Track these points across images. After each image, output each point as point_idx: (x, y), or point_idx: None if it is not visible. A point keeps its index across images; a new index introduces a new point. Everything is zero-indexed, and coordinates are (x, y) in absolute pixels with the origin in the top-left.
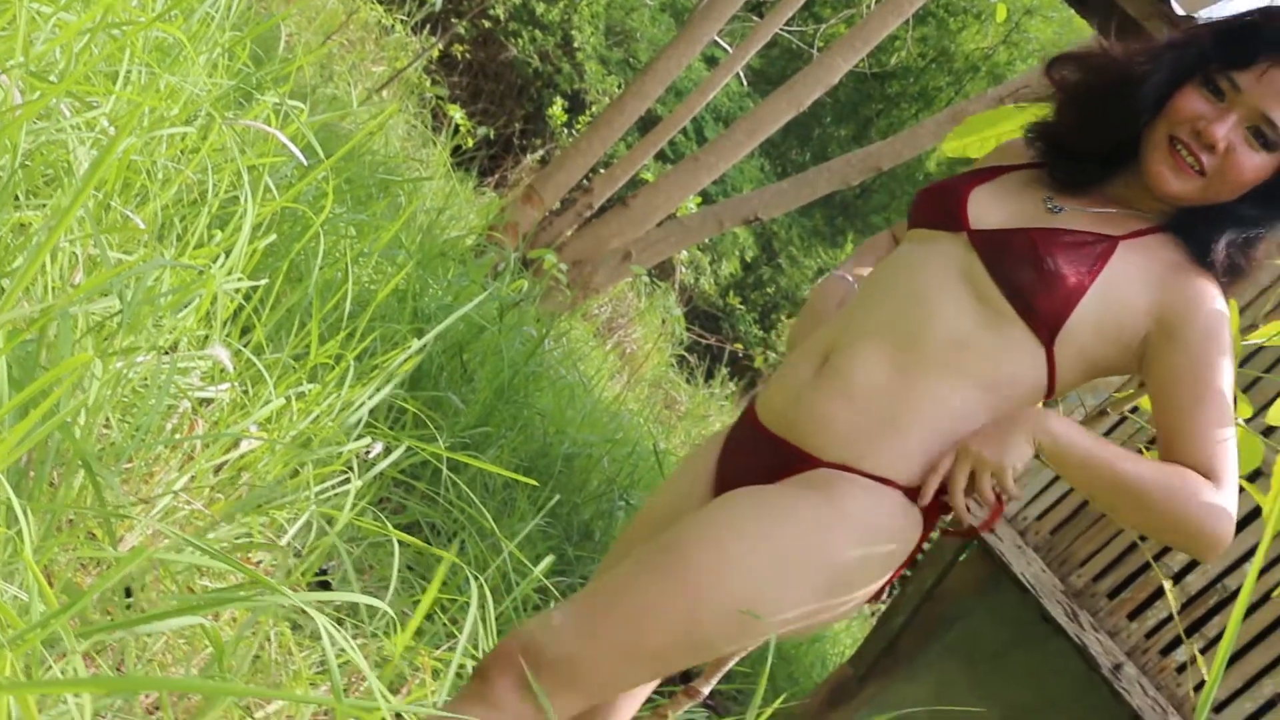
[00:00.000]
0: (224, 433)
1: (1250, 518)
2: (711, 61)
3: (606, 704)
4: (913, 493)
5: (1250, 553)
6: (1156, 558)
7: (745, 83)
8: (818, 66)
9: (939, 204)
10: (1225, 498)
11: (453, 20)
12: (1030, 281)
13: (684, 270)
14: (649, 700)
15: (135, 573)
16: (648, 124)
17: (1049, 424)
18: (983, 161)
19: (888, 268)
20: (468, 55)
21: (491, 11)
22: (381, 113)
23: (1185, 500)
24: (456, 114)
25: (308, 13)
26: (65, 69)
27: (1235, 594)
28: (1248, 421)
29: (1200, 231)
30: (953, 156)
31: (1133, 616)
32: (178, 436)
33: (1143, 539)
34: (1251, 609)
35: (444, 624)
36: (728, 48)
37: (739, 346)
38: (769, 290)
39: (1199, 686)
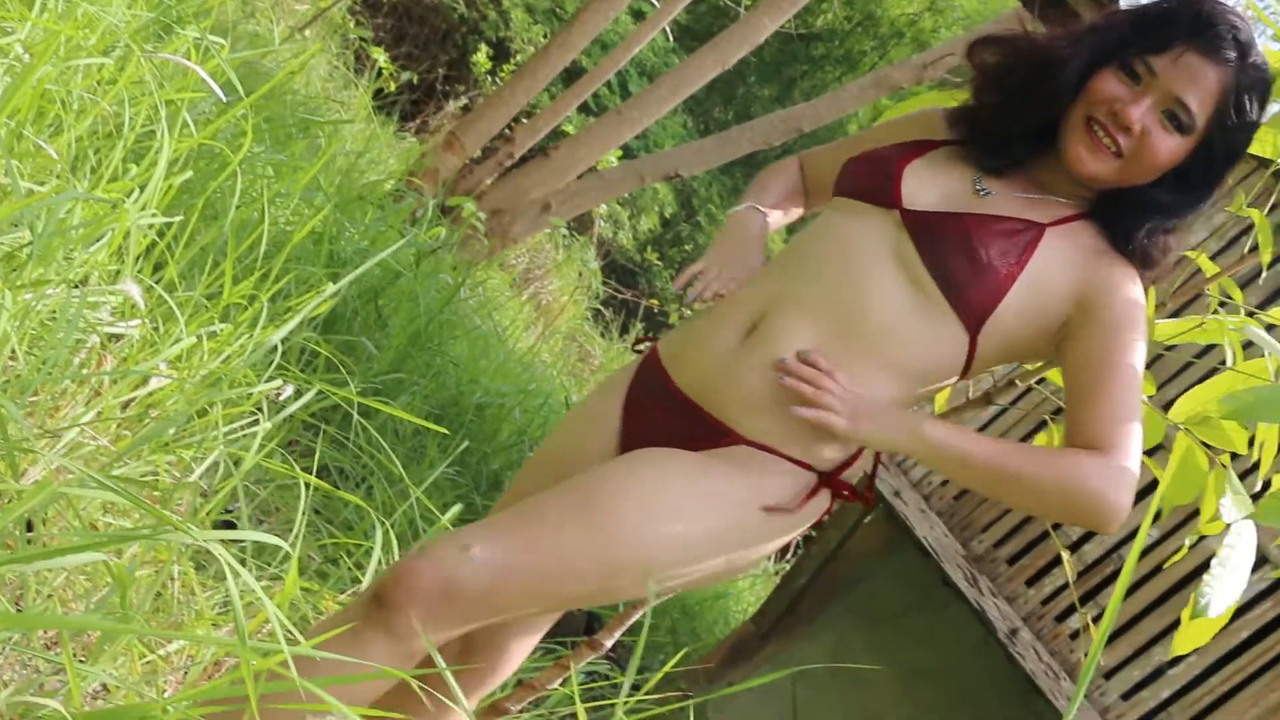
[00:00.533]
0: (133, 369)
1: (1150, 489)
2: (638, 15)
3: (500, 650)
4: (827, 476)
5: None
6: (1055, 527)
7: (671, 38)
8: (744, 25)
9: (872, 176)
10: (1119, 473)
11: None
12: (964, 272)
13: (603, 224)
14: (551, 651)
15: (38, 507)
16: (572, 75)
17: (925, 430)
18: (906, 128)
19: (818, 237)
20: None
21: None
22: (303, 52)
23: (1073, 483)
24: (380, 57)
25: None
26: None
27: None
28: (1150, 398)
29: (1121, 217)
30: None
31: (1030, 583)
32: (85, 371)
33: None
34: (1144, 580)
35: (349, 568)
36: (655, 2)
37: (655, 302)
38: (687, 247)
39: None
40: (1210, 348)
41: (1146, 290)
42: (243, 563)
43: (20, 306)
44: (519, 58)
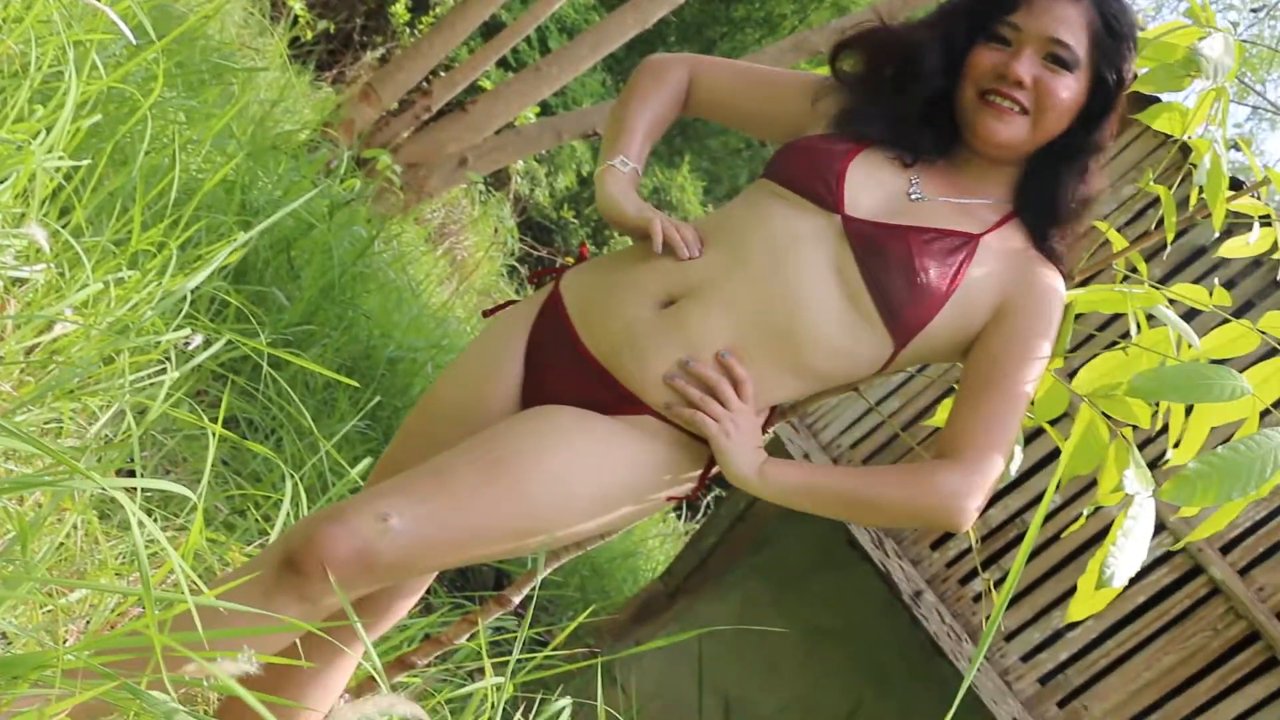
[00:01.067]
0: (37, 314)
1: (1055, 455)
2: None
3: (389, 599)
4: None
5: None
6: None
7: None
8: None
9: (814, 172)
10: (968, 483)
11: None
12: (903, 294)
13: (519, 180)
14: (459, 606)
15: None
16: (491, 30)
17: (770, 472)
18: (840, 118)
19: (752, 224)
20: None
21: None
22: None
23: (921, 502)
24: (296, 4)
25: None
26: None
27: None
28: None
29: (1042, 194)
30: None
31: (935, 546)
32: None
33: None
34: (1045, 546)
35: (256, 520)
36: None
37: (570, 260)
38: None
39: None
40: (1114, 319)
41: (1068, 276)
42: (149, 513)
43: None
44: (438, 10)
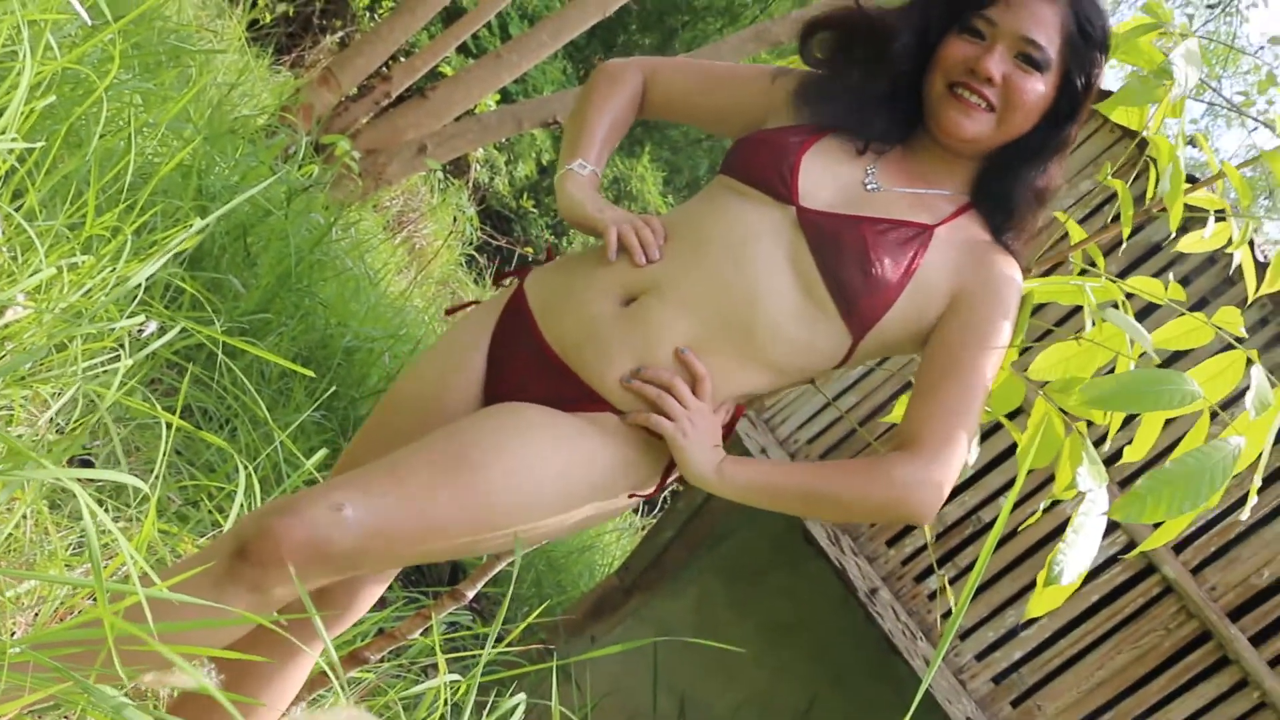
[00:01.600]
0: None
1: (1011, 452)
2: None
3: (353, 594)
4: None
5: (1007, 485)
6: None
7: None
8: None
9: (769, 165)
10: (931, 471)
11: None
12: (858, 284)
13: (479, 168)
14: (413, 600)
15: None
16: (452, 15)
17: (728, 470)
18: (798, 106)
19: (709, 220)
20: None
21: None
22: None
23: (881, 495)
24: None
25: None
26: None
27: (988, 526)
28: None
29: (999, 189)
30: None
31: (891, 543)
32: None
33: None
34: (1001, 543)
35: (210, 511)
36: None
37: (529, 250)
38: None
39: (946, 614)
40: (1072, 314)
41: (1026, 269)
42: (100, 503)
43: None
44: None
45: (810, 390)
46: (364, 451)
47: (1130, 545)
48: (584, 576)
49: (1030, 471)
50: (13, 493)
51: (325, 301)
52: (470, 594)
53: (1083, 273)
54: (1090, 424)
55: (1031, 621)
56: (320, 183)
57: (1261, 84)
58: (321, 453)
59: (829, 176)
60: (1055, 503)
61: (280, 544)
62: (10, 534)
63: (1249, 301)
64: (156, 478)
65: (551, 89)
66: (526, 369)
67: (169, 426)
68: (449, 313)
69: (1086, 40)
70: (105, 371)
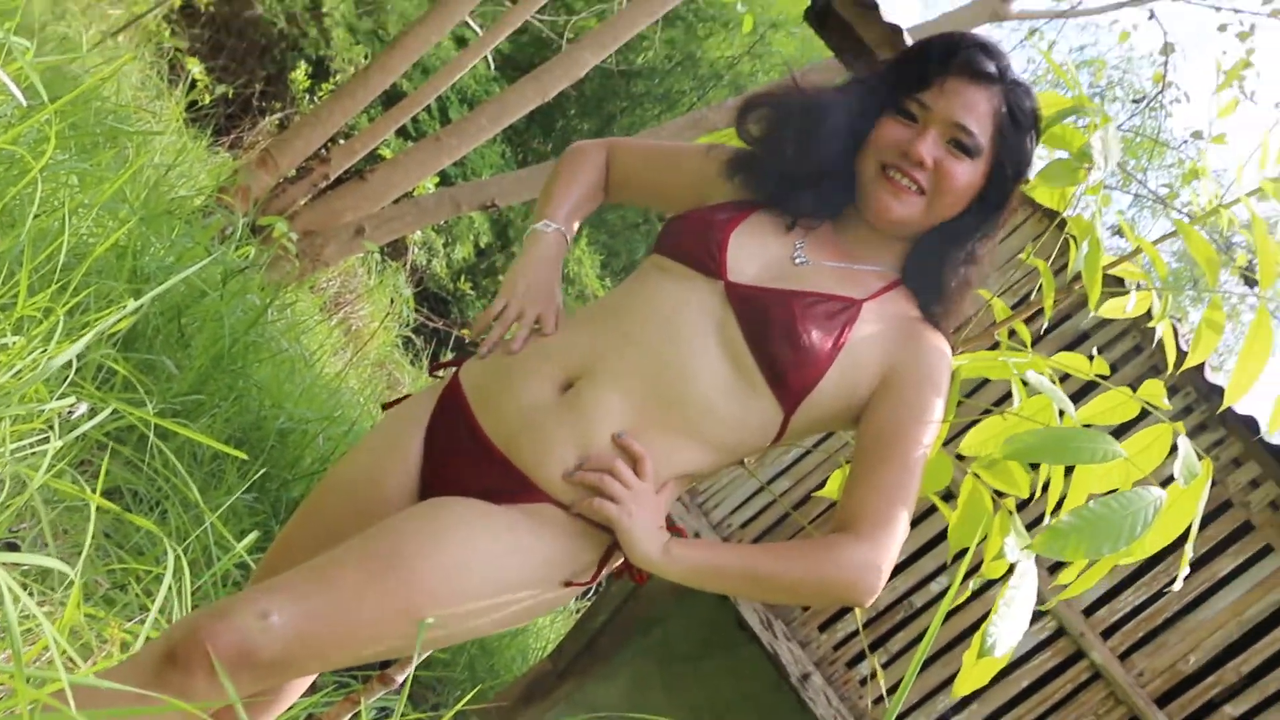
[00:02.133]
0: None
1: (942, 537)
2: (461, 42)
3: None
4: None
5: (939, 570)
6: None
7: (493, 67)
8: (566, 58)
9: (699, 242)
10: (872, 555)
11: None
12: (786, 357)
13: (417, 250)
14: (342, 685)
15: None
16: (392, 99)
17: (675, 552)
18: (733, 183)
19: (641, 299)
20: (211, 8)
21: None
22: (115, 59)
23: (824, 577)
24: (195, 68)
25: None
26: None
27: (920, 610)
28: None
29: (927, 270)
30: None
31: (823, 628)
32: None
33: None
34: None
35: (137, 595)
36: (478, 30)
37: (466, 332)
38: (501, 278)
39: (879, 700)
40: (1002, 400)
41: (955, 346)
42: (26, 587)
43: None
44: (339, 77)
45: (744, 474)
46: (299, 539)
47: (1060, 631)
48: (517, 660)
49: (964, 552)
50: None
51: (260, 383)
52: (400, 678)
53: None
54: (1027, 502)
55: (962, 706)
56: (256, 264)
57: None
58: (253, 535)
59: (757, 251)
60: (987, 586)
61: (208, 651)
62: None
63: (1169, 373)
64: (83, 561)
65: (490, 172)
66: (463, 459)
67: (98, 508)
68: (385, 408)
69: (1018, 128)
70: (34, 453)
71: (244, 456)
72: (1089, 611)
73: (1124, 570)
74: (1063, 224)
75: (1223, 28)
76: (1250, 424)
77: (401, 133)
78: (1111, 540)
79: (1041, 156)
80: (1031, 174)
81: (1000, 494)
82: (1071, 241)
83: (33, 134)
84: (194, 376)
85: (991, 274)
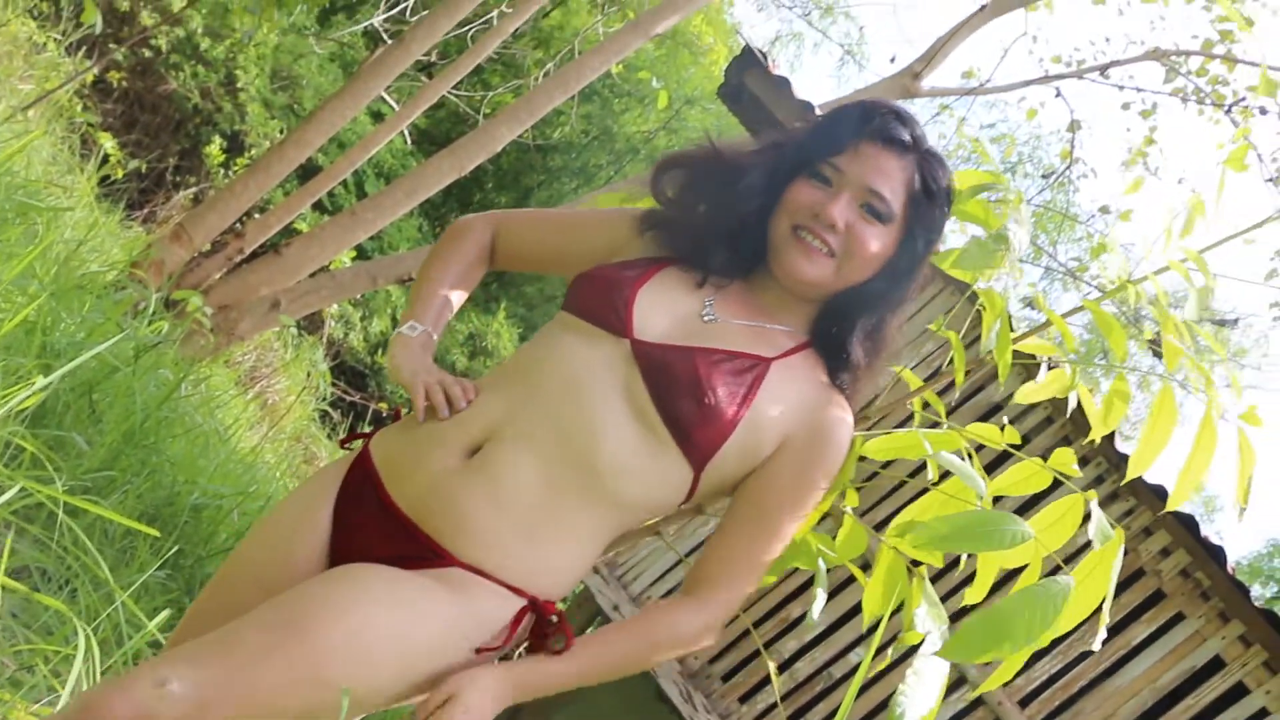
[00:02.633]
0: None
1: (859, 609)
2: (377, 117)
3: None
4: (537, 601)
5: (857, 641)
6: (767, 645)
7: (410, 142)
8: (482, 133)
9: (605, 300)
10: (709, 621)
11: (111, 46)
12: (691, 415)
13: (334, 324)
14: None
15: None
16: (308, 173)
17: (524, 678)
18: (618, 224)
19: (547, 359)
20: (125, 83)
21: (153, 41)
22: (25, 134)
23: (667, 643)
24: (108, 143)
25: None
26: None
27: (838, 682)
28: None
29: (836, 334)
30: None
31: (744, 700)
32: None
33: (756, 625)
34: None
35: (46, 676)
36: (394, 105)
37: (384, 406)
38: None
39: None
40: (917, 471)
41: (858, 413)
42: None
43: None
44: (253, 152)
45: (662, 546)
46: (208, 613)
47: (978, 701)
48: None
49: (880, 622)
50: None
51: (173, 459)
52: None
53: (923, 424)
54: (948, 570)
55: None
56: (170, 339)
57: (1094, 250)
58: (165, 613)
59: (666, 308)
60: (909, 653)
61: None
62: None
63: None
64: None
65: (407, 246)
66: (372, 529)
67: (4, 588)
68: (344, 443)
69: (930, 198)
70: None
71: (156, 534)
72: (1007, 681)
73: None
74: (974, 296)
75: (1126, 106)
76: (1160, 493)
77: (318, 207)
78: (1020, 638)
79: (952, 229)
80: (944, 247)
81: (916, 562)
82: (983, 312)
83: None
84: (105, 453)
85: (903, 346)
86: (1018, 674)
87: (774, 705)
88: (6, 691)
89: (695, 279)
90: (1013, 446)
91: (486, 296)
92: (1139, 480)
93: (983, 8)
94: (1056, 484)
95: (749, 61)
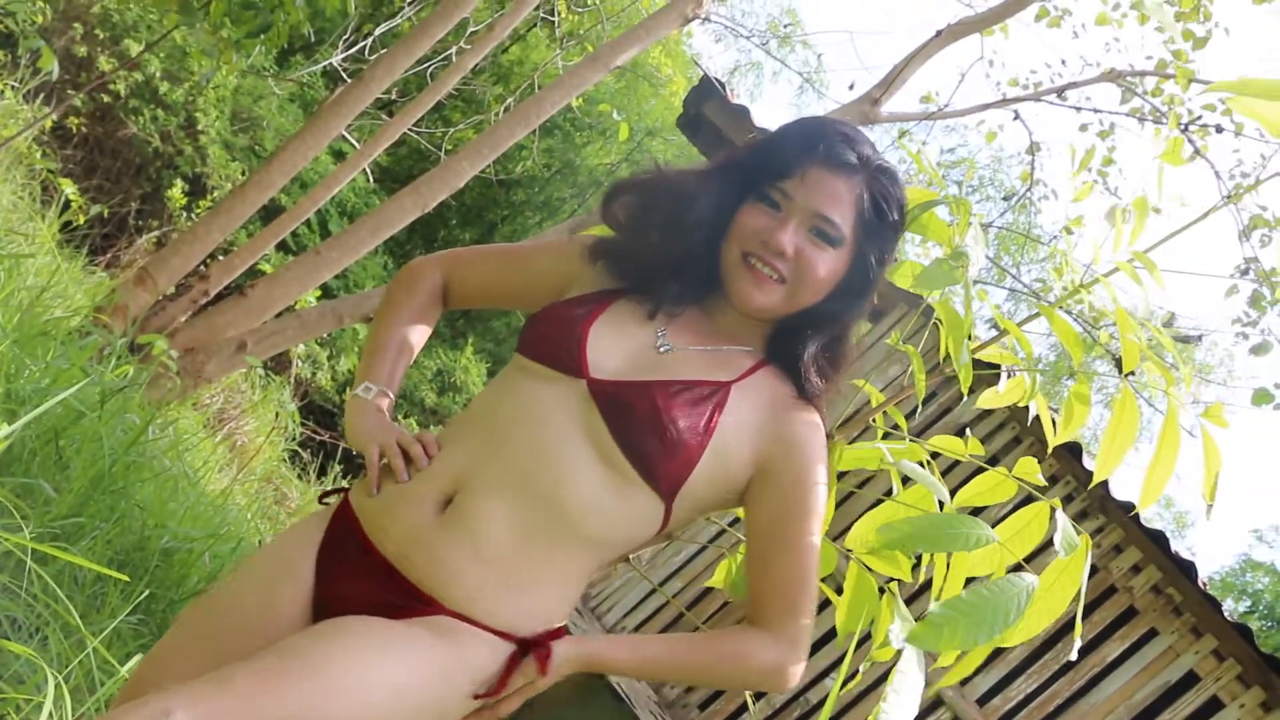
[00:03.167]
0: None
1: (832, 634)
2: (339, 155)
3: None
4: (526, 643)
5: (834, 665)
6: None
7: (372, 180)
8: (445, 169)
9: (558, 341)
10: (787, 651)
11: (69, 92)
12: (654, 449)
13: (301, 364)
14: None
15: None
16: (271, 213)
17: (595, 651)
18: (596, 269)
19: (506, 405)
20: (84, 129)
21: (112, 86)
22: None
23: (743, 670)
24: (68, 189)
25: None
26: None
27: (815, 707)
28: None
29: (795, 346)
30: None
31: None
32: None
33: None
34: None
35: None
36: (356, 143)
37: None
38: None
39: None
40: (876, 475)
41: (827, 423)
42: None
43: None
44: (216, 194)
45: (636, 576)
46: (177, 656)
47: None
48: None
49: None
50: None
51: (142, 503)
52: None
53: (885, 436)
54: (921, 593)
55: None
56: (136, 383)
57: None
58: (137, 658)
59: (619, 343)
60: (884, 677)
61: None
62: None
63: (1049, 451)
64: None
65: (373, 284)
66: (356, 577)
67: None
68: (322, 498)
69: (881, 219)
70: None
71: (126, 579)
72: (983, 701)
73: (1016, 659)
74: (931, 311)
75: (1084, 128)
76: (1129, 509)
77: (281, 247)
78: (985, 629)
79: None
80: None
81: (886, 579)
82: (939, 325)
83: None
84: (73, 499)
85: (857, 361)
86: (994, 694)
87: None
88: None
89: (647, 309)
90: (977, 459)
91: (454, 332)
92: (1108, 496)
93: (939, 33)
94: (1026, 501)
95: (707, 92)
